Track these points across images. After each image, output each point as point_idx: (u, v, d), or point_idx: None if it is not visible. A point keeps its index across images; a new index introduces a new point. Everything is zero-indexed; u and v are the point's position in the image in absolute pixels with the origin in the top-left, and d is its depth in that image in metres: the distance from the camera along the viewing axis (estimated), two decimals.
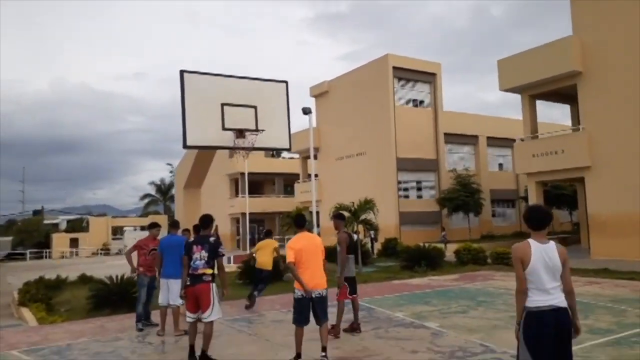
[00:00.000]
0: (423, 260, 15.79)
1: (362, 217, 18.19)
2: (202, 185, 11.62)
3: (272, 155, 46.64)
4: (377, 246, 23.78)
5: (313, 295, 5.65)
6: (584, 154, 18.83)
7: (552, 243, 3.62)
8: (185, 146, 9.06)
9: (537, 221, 3.65)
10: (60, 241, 48.18)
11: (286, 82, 10.61)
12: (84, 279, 15.33)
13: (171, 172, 61.67)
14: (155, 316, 8.30)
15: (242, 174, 39.20)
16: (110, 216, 60.02)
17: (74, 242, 48.70)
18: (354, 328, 7.40)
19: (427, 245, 17.57)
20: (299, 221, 6.25)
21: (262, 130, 9.66)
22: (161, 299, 7.67)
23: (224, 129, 9.34)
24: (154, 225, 8.73)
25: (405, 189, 30.28)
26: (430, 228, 29.59)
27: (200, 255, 5.98)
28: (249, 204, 33.97)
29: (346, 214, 16.40)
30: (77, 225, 57.87)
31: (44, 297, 11.47)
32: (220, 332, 7.65)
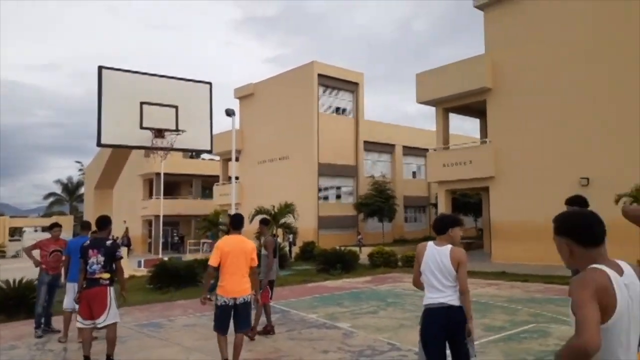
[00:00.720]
0: (338, 264, 16.17)
1: (282, 221, 18.30)
2: (114, 185, 11.11)
3: (191, 156, 45.37)
4: (295, 250, 23.97)
5: (237, 302, 5.42)
6: (489, 165, 20.28)
7: (447, 247, 3.92)
8: (99, 144, 8.65)
9: (435, 227, 4.10)
10: None
11: (210, 83, 10.48)
12: None
13: (80, 170, 58.08)
14: (58, 322, 7.82)
15: (158, 174, 37.77)
16: (8, 216, 55.16)
17: None
18: (267, 330, 7.47)
19: (343, 248, 18.03)
20: (236, 222, 5.88)
21: (183, 131, 9.47)
22: (66, 303, 7.28)
23: (142, 127, 9.04)
24: (55, 226, 8.28)
25: (325, 194, 30.86)
26: (347, 232, 30.34)
27: (96, 259, 5.82)
28: (164, 206, 32.88)
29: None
30: None
31: None
32: (128, 337, 7.40)
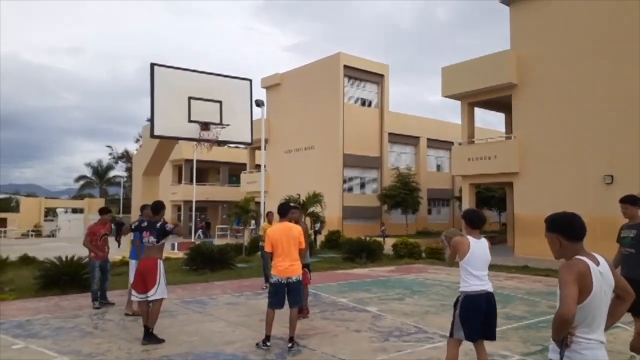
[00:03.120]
0: (363, 253, 16.71)
1: (310, 209, 18.93)
2: (160, 172, 11.89)
3: (218, 144, 46.37)
4: (321, 238, 24.64)
5: (289, 281, 6.11)
6: (514, 160, 20.50)
7: (484, 239, 4.51)
8: (152, 135, 9.41)
9: (478, 221, 4.55)
10: None
11: (250, 80, 11.15)
12: (25, 260, 15.09)
13: (110, 154, 59.87)
14: (111, 296, 8.61)
15: (187, 160, 38.89)
16: (43, 197, 57.32)
17: (1, 222, 46.24)
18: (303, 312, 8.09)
19: (367, 238, 18.56)
20: (282, 210, 6.55)
21: (227, 125, 10.12)
22: (131, 278, 8.03)
23: (190, 121, 9.73)
24: (105, 211, 9.01)
25: (350, 184, 31.40)
26: (370, 222, 30.87)
27: (148, 240, 6.55)
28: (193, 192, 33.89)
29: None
30: (4, 205, 54.87)
31: None
32: (177, 312, 8.14)
